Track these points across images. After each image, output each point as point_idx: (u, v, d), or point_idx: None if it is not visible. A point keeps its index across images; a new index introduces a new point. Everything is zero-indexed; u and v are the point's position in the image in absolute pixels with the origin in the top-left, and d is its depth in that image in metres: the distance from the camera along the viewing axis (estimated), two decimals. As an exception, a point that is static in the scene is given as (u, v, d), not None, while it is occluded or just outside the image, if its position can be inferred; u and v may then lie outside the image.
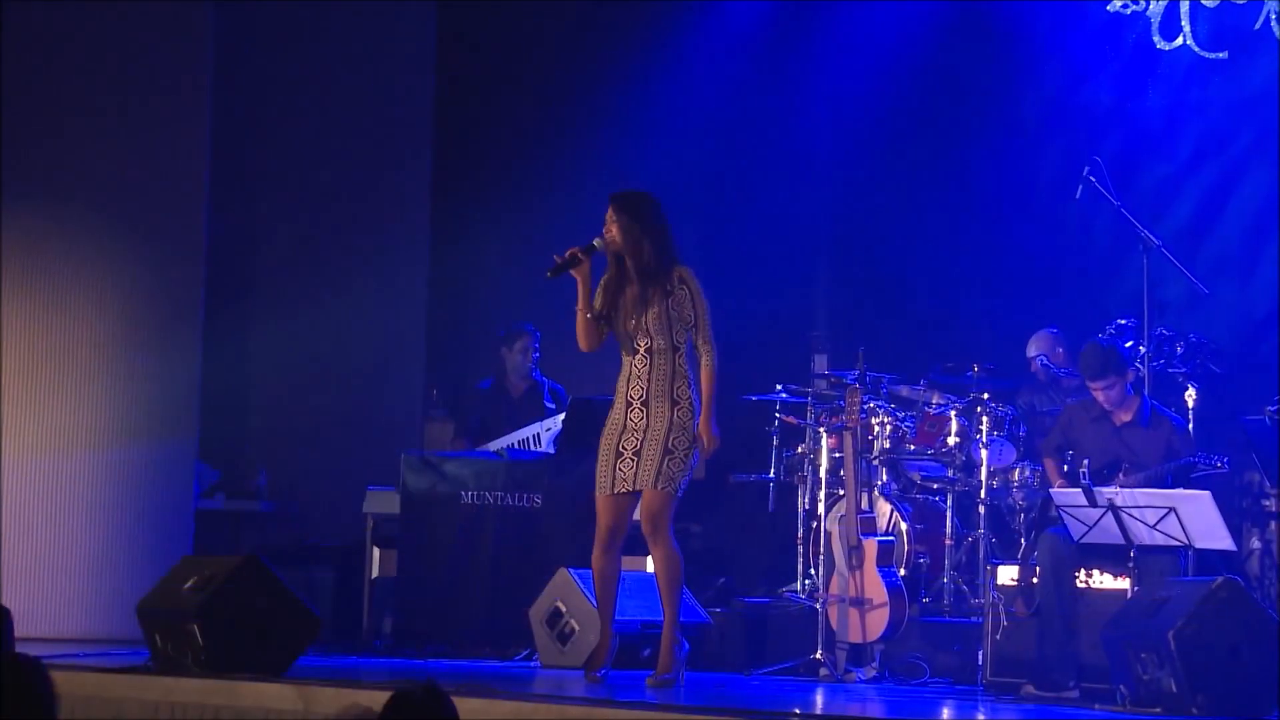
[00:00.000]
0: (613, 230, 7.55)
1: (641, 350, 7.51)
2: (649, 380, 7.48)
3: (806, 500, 9.63)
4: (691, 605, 8.85)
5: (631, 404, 7.50)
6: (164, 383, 10.09)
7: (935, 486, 9.51)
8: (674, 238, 7.60)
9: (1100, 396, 8.40)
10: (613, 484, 7.50)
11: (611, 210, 7.58)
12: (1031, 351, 10.05)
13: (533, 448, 9.89)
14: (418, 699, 4.36)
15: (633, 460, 7.46)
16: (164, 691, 7.48)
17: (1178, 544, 7.71)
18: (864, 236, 11.35)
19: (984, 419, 9.23)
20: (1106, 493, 7.76)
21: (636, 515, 7.69)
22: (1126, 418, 8.42)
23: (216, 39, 10.37)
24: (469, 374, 10.92)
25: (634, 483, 7.45)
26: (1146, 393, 8.79)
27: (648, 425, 7.45)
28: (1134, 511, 7.69)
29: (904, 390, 9.76)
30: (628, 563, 9.18)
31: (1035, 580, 8.08)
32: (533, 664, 8.82)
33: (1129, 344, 9.25)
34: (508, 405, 10.36)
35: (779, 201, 11.42)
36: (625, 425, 7.50)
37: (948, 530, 9.31)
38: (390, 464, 9.74)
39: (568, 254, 7.51)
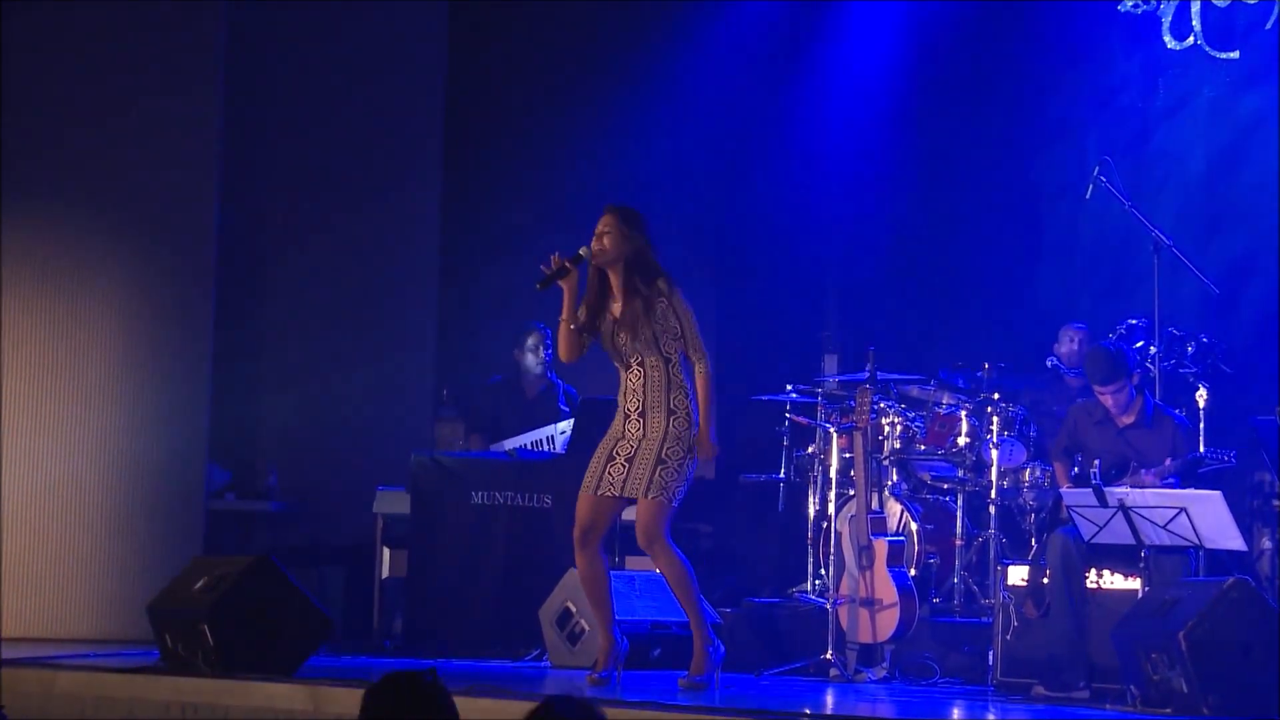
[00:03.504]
0: (604, 241, 7.48)
1: (634, 365, 7.47)
2: (644, 393, 7.44)
3: (817, 500, 9.61)
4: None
5: (629, 416, 7.47)
6: (174, 383, 10.08)
7: (945, 487, 9.51)
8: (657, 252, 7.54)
9: (1109, 401, 8.39)
10: (598, 485, 7.45)
11: (611, 220, 7.50)
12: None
13: (546, 449, 9.87)
14: (399, 688, 4.20)
15: (624, 466, 7.41)
16: (175, 692, 7.51)
17: (1188, 544, 7.70)
18: (874, 237, 11.33)
19: (994, 419, 9.22)
20: (1117, 492, 7.75)
21: (629, 516, 7.68)
22: (1129, 420, 8.42)
23: (228, 37, 10.36)
24: (480, 374, 10.92)
25: (622, 489, 7.41)
26: (1157, 393, 8.78)
27: (644, 435, 7.42)
28: (1144, 511, 7.67)
29: (914, 390, 9.75)
30: (637, 563, 9.21)
31: (1045, 580, 8.06)
32: (543, 664, 8.82)
33: (1139, 344, 9.24)
34: (521, 402, 10.34)
35: (789, 201, 11.40)
36: (623, 434, 7.47)
37: (958, 530, 9.30)
38: (400, 464, 9.74)
39: (555, 265, 7.44)
